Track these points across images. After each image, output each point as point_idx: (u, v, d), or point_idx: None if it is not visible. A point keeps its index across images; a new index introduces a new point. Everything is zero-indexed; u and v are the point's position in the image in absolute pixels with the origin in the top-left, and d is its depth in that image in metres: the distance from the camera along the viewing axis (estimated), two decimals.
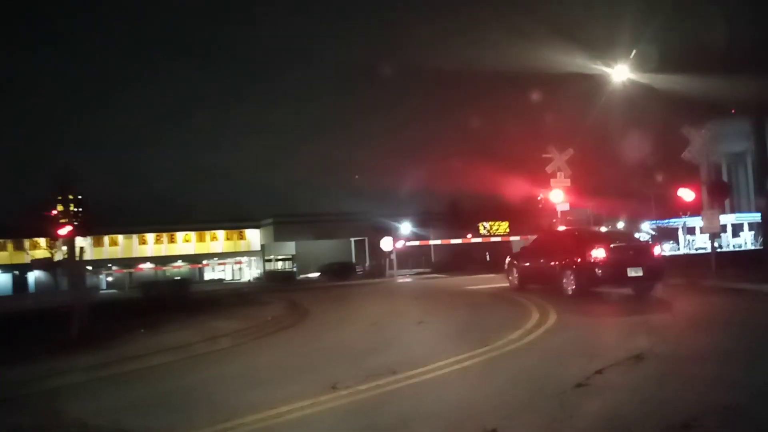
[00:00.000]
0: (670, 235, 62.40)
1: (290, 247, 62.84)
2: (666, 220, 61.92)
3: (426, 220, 60.94)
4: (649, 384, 5.64)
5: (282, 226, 61.83)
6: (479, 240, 28.54)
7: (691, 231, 61.81)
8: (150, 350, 8.54)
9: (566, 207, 20.82)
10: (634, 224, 61.39)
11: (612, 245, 12.99)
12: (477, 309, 12.29)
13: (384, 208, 60.55)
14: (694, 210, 58.94)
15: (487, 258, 48.63)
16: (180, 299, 24.93)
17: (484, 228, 63.92)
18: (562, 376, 6.04)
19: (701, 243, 59.48)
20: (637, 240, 16.29)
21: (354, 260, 60.62)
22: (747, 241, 59.12)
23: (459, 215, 62.00)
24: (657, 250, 14.30)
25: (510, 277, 16.20)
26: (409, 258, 54.42)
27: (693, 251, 52.45)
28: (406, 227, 58.20)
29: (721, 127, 14.97)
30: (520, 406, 5.07)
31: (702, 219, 15.67)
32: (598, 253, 12.56)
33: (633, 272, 12.35)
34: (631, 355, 6.56)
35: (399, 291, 21.35)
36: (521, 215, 43.99)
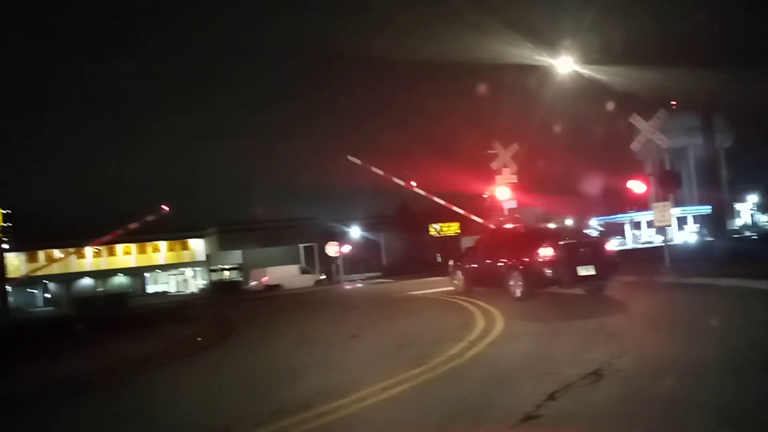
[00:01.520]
0: (617, 230, 63.02)
1: (237, 256, 61.02)
2: (613, 216, 62.55)
3: (376, 224, 59.99)
4: (612, 411, 4.62)
5: (227, 234, 59.99)
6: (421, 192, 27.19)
7: (637, 226, 62.60)
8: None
9: (513, 204, 20.00)
10: (581, 221, 61.79)
11: (561, 243, 12.10)
12: (418, 318, 11.18)
13: (334, 212, 59.16)
14: (641, 205, 59.81)
15: (438, 259, 48.01)
16: (115, 315, 23.44)
17: (435, 229, 63.45)
18: (508, 404, 4.98)
19: (647, 237, 60.27)
20: (588, 236, 15.42)
21: (303, 266, 59.24)
22: (692, 234, 60.17)
23: (409, 217, 61.15)
24: (609, 246, 13.34)
25: (455, 281, 15.21)
26: (360, 262, 53.43)
27: (640, 246, 52.86)
28: (355, 231, 57.19)
29: (663, 122, 14.52)
30: None
31: (653, 211, 14.97)
32: (547, 252, 11.64)
33: (584, 271, 11.47)
34: (587, 372, 5.54)
35: (341, 299, 20.17)
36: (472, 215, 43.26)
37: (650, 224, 60.89)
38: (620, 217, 62.35)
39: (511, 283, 12.17)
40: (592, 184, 59.22)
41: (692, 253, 18.96)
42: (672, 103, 15.34)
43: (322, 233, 54.06)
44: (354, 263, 51.88)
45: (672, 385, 5.16)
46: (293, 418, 5.03)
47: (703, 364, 5.75)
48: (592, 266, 11.50)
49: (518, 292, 11.97)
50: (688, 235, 58.66)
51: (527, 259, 11.91)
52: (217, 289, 49.90)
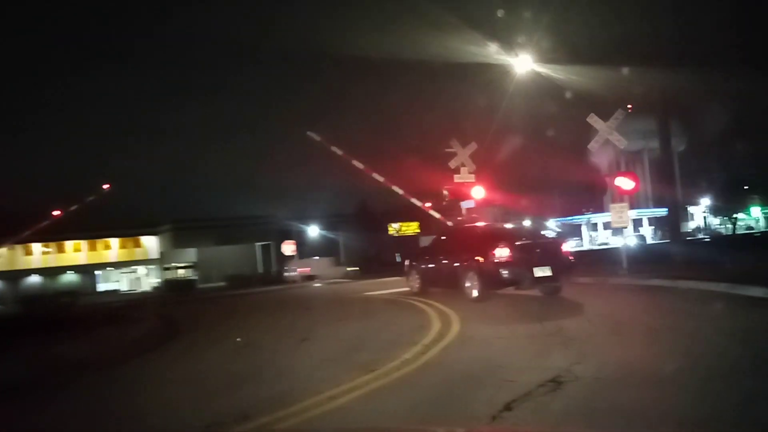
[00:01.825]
0: (574, 231, 63.88)
1: (191, 254, 59.73)
2: (570, 217, 63.38)
3: (335, 223, 59.37)
4: (572, 422, 4.31)
5: (181, 232, 58.68)
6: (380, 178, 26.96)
7: (594, 227, 63.55)
8: None
9: (471, 204, 19.80)
10: (539, 221, 62.41)
11: (517, 243, 11.87)
12: (372, 320, 10.75)
13: (291, 210, 58.25)
14: (596, 207, 60.69)
15: (397, 259, 47.76)
16: (62, 314, 22.47)
17: (394, 228, 63.21)
18: (462, 414, 4.63)
19: (604, 239, 61.22)
20: (544, 236, 15.23)
21: (261, 266, 58.30)
22: (647, 236, 61.28)
23: (369, 216, 60.78)
24: (566, 247, 13.21)
25: (410, 281, 14.84)
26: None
27: (596, 247, 53.60)
28: (314, 230, 56.55)
29: (620, 122, 14.48)
30: None
31: (611, 212, 14.87)
32: (502, 252, 11.38)
33: (540, 272, 11.29)
34: (546, 379, 5.22)
35: (296, 299, 19.62)
36: (431, 214, 43.09)
37: (606, 225, 62.01)
38: (578, 218, 63.27)
39: (467, 284, 11.88)
40: (551, 184, 59.93)
41: (648, 256, 19.03)
42: (628, 106, 15.21)
43: (280, 232, 53.22)
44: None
45: (633, 393, 4.87)
46: (229, 430, 4.58)
47: (665, 370, 5.51)
48: (549, 267, 11.33)
49: (474, 293, 11.70)
50: (628, 239, 59.81)
51: (483, 260, 11.61)
52: (170, 288, 48.63)
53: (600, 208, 59.29)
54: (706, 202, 66.68)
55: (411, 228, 61.04)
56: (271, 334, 10.10)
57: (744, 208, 66.03)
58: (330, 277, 38.34)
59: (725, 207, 64.15)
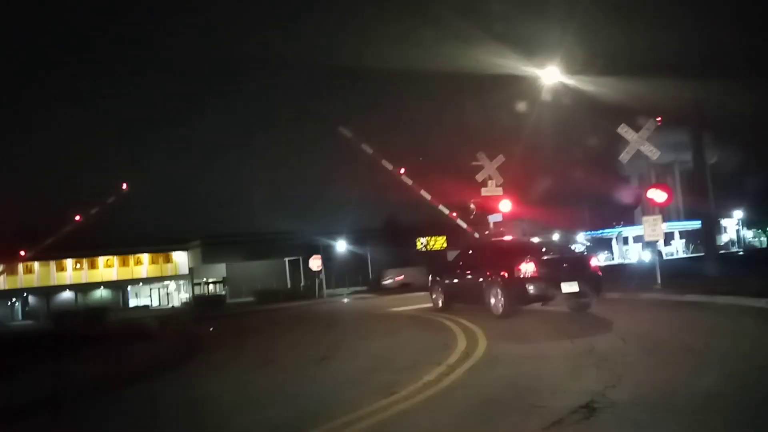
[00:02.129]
0: (604, 245, 62.69)
1: (221, 270, 60.05)
2: (600, 231, 62.20)
3: (363, 237, 59.14)
4: None
5: (210, 247, 59.00)
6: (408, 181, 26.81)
7: (624, 241, 62.24)
8: None
9: (499, 218, 19.40)
10: (569, 235, 61.39)
11: (544, 258, 11.64)
12: (395, 338, 10.44)
13: (320, 226, 58.24)
14: (628, 220, 59.51)
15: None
16: (92, 330, 22.61)
17: (422, 243, 62.80)
18: None
19: (636, 253, 59.92)
20: (572, 251, 14.79)
21: (289, 281, 58.27)
22: (678, 249, 59.86)
23: (397, 231, 60.47)
24: (594, 262, 12.65)
25: (434, 296, 14.49)
26: (345, 276, 52.55)
27: (627, 261, 52.47)
28: (341, 245, 56.41)
29: (652, 132, 14.06)
30: None
31: (643, 225, 14.33)
32: (528, 267, 11.06)
33: (568, 287, 10.90)
34: (578, 405, 4.86)
35: (319, 315, 19.37)
36: (458, 228, 42.64)
37: (637, 239, 60.70)
38: (608, 232, 62.07)
39: (492, 299, 11.54)
40: (580, 198, 58.96)
41: (683, 270, 18.38)
42: (657, 118, 14.72)
43: (308, 247, 53.12)
44: (341, 277, 51.14)
45: (674, 422, 4.48)
46: None
47: (708, 396, 5.09)
48: (576, 282, 10.95)
49: (499, 309, 11.34)
50: (673, 250, 58.35)
51: (508, 275, 11.27)
52: (200, 303, 48.84)
53: (631, 222, 58.07)
54: (738, 214, 65.00)
55: (438, 243, 60.69)
56: (292, 353, 9.85)
57: None
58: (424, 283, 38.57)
59: (759, 220, 62.54)
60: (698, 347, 7.03)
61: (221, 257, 58.97)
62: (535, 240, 15.01)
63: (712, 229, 19.48)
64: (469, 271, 12.98)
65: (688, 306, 11.35)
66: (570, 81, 19.21)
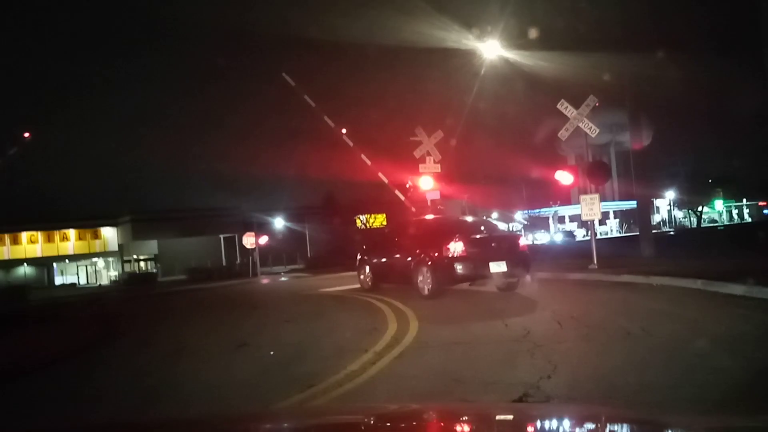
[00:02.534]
0: (541, 224, 63.74)
1: (153, 246, 58.03)
2: (537, 210, 63.17)
3: (301, 215, 58.19)
4: None
5: (141, 223, 56.65)
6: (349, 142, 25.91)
7: (561, 220, 63.45)
8: None
9: (437, 195, 18.94)
10: (507, 214, 62.09)
11: (472, 237, 11.42)
12: (322, 321, 9.80)
13: (258, 202, 56.89)
14: (565, 199, 60.54)
15: None
16: (8, 310, 21.14)
17: (361, 221, 62.23)
18: None
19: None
20: (500, 230, 14.59)
21: (224, 259, 56.84)
22: (613, 229, 61.45)
23: (335, 208, 59.70)
24: (523, 241, 12.68)
25: (362, 276, 14.04)
26: (284, 254, 51.58)
27: (565, 240, 53.38)
28: (279, 222, 55.35)
29: (591, 108, 13.85)
30: None
31: (581, 204, 14.12)
32: (457, 247, 10.86)
33: (496, 267, 10.80)
34: (511, 400, 4.38)
35: (248, 295, 18.55)
36: (397, 206, 42.15)
37: (573, 218, 61.93)
38: (545, 211, 63.10)
39: (420, 279, 11.25)
40: (518, 177, 59.50)
41: (618, 249, 18.43)
42: (595, 101, 14.43)
43: (245, 224, 51.86)
44: (278, 255, 50.17)
45: None
46: None
47: (645, 387, 4.67)
48: (504, 262, 10.85)
49: (427, 290, 11.08)
50: (607, 229, 59.74)
51: (436, 254, 11.04)
52: (129, 282, 47.03)
53: (568, 201, 59.16)
54: (670, 195, 67.09)
55: (378, 220, 60.23)
56: (209, 338, 9.07)
57: (708, 201, 66.72)
58: None
59: (689, 200, 64.68)
60: (636, 332, 6.66)
61: (153, 234, 56.88)
62: (466, 218, 14.63)
63: (646, 209, 19.55)
64: (397, 251, 12.64)
65: (624, 287, 11.11)
66: (510, 55, 18.83)
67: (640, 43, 18.45)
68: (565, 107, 13.94)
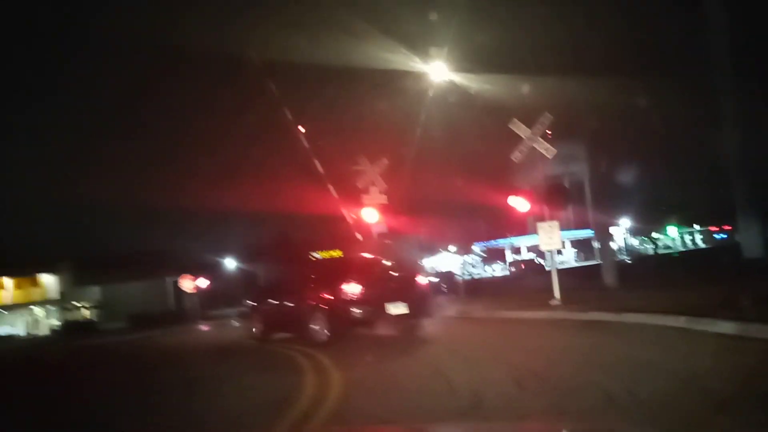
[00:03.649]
0: (498, 256, 62.75)
1: (96, 293, 54.97)
2: (494, 241, 62.17)
3: (254, 254, 56.07)
4: None
5: (82, 268, 53.61)
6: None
7: (517, 251, 62.55)
8: None
9: (383, 228, 17.36)
10: (465, 247, 60.92)
11: (367, 277, 10.67)
12: (228, 384, 7.87)
13: (208, 243, 54.63)
14: (520, 229, 59.71)
15: None
16: None
17: (315, 258, 60.19)
18: None
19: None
20: (397, 268, 13.55)
21: (174, 303, 54.11)
22: (570, 258, 60.76)
23: (289, 246, 57.70)
24: (423, 280, 11.86)
25: (253, 324, 12.95)
26: (234, 297, 49.26)
27: (521, 269, 52.31)
28: (231, 263, 53.23)
29: (546, 128, 12.83)
30: None
31: (539, 233, 12.60)
32: (352, 288, 10.18)
33: (395, 309, 10.17)
34: None
35: (168, 347, 16.56)
36: (353, 242, 40.43)
37: (530, 249, 61.04)
38: (501, 242, 62.12)
39: (315, 325, 10.41)
40: (475, 207, 58.42)
41: (580, 280, 17.06)
42: (549, 118, 13.23)
43: (195, 266, 49.51)
44: (233, 296, 47.93)
45: None
46: None
47: None
48: (404, 303, 10.23)
49: (325, 337, 10.24)
50: (564, 259, 58.91)
51: (331, 297, 10.36)
52: (69, 331, 44.12)
53: (524, 231, 58.26)
54: (625, 223, 67.07)
55: (333, 257, 58.33)
56: (84, 410, 7.11)
57: (662, 227, 66.89)
58: None
59: (643, 228, 64.73)
60: (620, 395, 5.01)
61: (95, 279, 53.98)
62: (363, 256, 13.83)
63: (607, 237, 18.37)
64: (288, 295, 11.88)
65: (594, 327, 9.48)
66: (459, 78, 17.59)
67: (593, 69, 17.60)
68: (517, 126, 12.58)
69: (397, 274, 11.78)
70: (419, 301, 10.64)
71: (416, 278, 11.53)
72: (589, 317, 10.07)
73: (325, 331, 10.23)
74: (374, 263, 12.49)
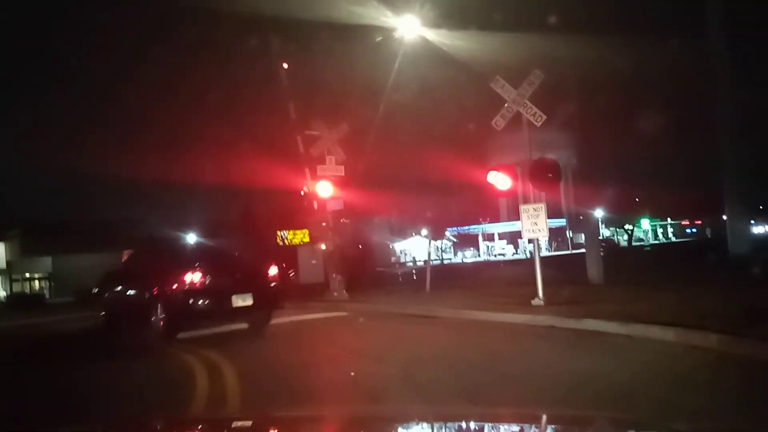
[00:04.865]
0: (470, 242, 61.05)
1: (47, 264, 52.09)
2: (466, 227, 60.36)
3: (217, 229, 53.49)
4: None
5: (33, 237, 50.69)
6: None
7: (490, 237, 60.86)
8: None
9: (339, 205, 15.09)
10: (437, 231, 58.95)
11: (207, 266, 9.94)
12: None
13: (168, 214, 51.73)
14: (494, 216, 57.93)
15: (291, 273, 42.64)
16: None
17: (282, 237, 57.88)
18: None
19: (500, 249, 58.60)
20: (242, 258, 13.26)
21: None
22: (542, 247, 59.38)
23: (254, 223, 55.22)
24: (272, 271, 10.95)
25: (94, 316, 12.11)
26: None
27: (493, 259, 50.79)
28: (192, 238, 50.64)
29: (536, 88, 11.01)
30: None
31: (521, 217, 10.34)
32: (193, 278, 9.51)
33: (240, 301, 9.67)
34: None
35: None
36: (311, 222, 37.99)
37: (501, 236, 59.36)
38: (474, 228, 60.35)
39: (155, 318, 9.63)
40: (445, 189, 56.34)
41: (561, 272, 15.05)
42: (540, 76, 11.17)
43: (153, 239, 46.80)
44: None
45: None
46: None
47: None
48: (250, 295, 9.76)
49: (161, 330, 9.56)
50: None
51: (171, 287, 9.59)
52: (13, 304, 41.46)
53: (496, 217, 56.49)
54: (599, 213, 65.91)
55: (298, 237, 55.98)
56: None
57: (635, 220, 66.01)
58: None
59: (617, 218, 63.79)
60: None
61: (46, 249, 51.09)
62: (206, 244, 12.48)
63: (595, 227, 16.44)
64: (133, 283, 10.90)
65: (595, 343, 7.10)
66: (432, 36, 15.35)
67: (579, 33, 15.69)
68: (501, 86, 10.34)
69: (244, 264, 11.35)
70: (266, 291, 10.21)
71: (267, 268, 10.89)
72: (584, 326, 7.68)
73: (163, 324, 9.52)
74: (220, 252, 12.33)
